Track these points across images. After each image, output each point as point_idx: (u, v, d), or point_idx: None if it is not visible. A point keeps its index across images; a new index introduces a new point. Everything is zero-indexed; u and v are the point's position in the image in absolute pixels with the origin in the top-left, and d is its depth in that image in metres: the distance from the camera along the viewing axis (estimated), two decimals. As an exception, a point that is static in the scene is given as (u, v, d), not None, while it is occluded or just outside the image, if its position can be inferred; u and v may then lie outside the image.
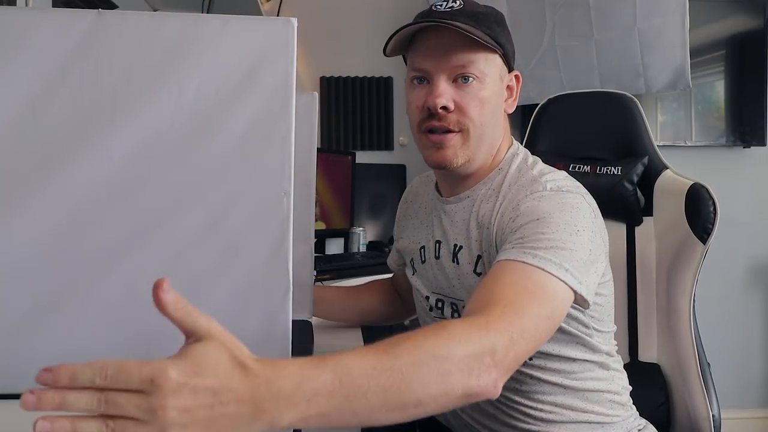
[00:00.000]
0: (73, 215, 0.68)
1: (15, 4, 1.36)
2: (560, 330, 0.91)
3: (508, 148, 1.01)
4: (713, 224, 1.14)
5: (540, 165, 0.98)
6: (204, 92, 0.69)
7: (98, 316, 0.69)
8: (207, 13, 2.00)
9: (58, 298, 0.69)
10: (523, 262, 0.77)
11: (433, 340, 0.63)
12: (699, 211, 1.15)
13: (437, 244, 1.02)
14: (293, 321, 0.72)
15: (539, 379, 0.96)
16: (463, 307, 0.95)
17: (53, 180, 0.68)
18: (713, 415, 1.15)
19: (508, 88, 0.98)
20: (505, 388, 0.97)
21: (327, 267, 1.97)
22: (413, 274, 1.10)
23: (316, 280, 1.77)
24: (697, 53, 2.39)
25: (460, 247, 0.97)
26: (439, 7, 0.92)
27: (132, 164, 0.69)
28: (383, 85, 2.71)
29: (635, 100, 1.33)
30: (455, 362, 0.62)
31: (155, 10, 1.96)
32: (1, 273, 0.68)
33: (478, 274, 0.94)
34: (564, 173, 0.96)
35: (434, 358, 0.61)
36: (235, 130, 0.70)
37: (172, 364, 0.47)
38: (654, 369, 1.22)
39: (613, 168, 1.30)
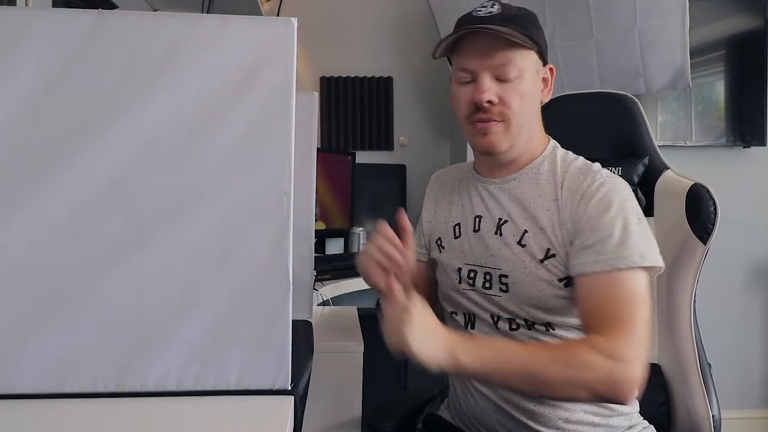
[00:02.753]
0: (74, 214, 0.68)
1: (15, 4, 1.36)
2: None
3: (548, 141, 1.12)
4: (714, 225, 1.13)
5: (579, 157, 1.09)
6: (204, 92, 0.70)
7: (98, 317, 0.69)
8: (207, 13, 2.00)
9: (58, 298, 0.69)
10: (609, 272, 0.92)
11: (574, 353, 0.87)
12: (699, 211, 1.15)
13: (477, 219, 1.11)
14: (293, 321, 0.72)
15: None
16: (501, 275, 1.04)
17: (53, 180, 0.68)
18: (713, 416, 1.15)
19: (543, 80, 1.08)
20: None
21: (327, 267, 1.97)
22: (440, 253, 1.15)
23: (316, 280, 1.77)
24: (697, 53, 2.39)
25: (505, 221, 1.06)
26: (478, 12, 1.03)
27: (132, 164, 0.69)
28: (383, 85, 2.71)
29: (636, 100, 1.33)
30: (594, 382, 0.84)
31: (155, 10, 1.96)
32: (1, 273, 0.68)
33: (522, 246, 1.03)
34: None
35: (573, 368, 0.85)
36: (235, 130, 0.70)
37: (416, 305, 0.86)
38: (655, 369, 1.22)
39: (613, 168, 1.30)
